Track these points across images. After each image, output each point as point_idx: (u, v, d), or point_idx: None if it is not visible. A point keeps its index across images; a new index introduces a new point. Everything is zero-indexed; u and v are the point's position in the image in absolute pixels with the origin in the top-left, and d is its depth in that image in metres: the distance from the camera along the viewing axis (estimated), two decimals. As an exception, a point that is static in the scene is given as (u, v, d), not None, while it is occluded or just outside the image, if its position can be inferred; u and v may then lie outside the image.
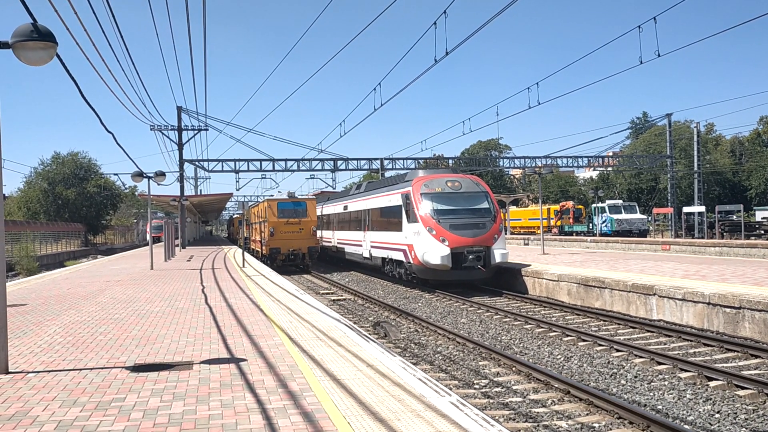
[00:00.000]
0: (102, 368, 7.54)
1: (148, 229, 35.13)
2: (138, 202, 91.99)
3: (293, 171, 51.68)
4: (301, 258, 32.66)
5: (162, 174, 24.18)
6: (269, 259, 32.06)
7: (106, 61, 21.35)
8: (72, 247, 62.25)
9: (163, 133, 44.60)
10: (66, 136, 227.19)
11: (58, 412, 5.79)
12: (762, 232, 44.22)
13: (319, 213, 39.21)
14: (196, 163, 51.40)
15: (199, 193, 57.39)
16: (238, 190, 73.53)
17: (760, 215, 53.18)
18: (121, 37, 15.29)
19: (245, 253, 29.30)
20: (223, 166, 50.07)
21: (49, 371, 7.44)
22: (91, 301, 14.44)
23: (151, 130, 43.41)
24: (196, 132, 45.93)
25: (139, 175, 23.24)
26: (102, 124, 12.87)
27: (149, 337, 9.54)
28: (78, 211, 67.27)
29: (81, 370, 7.49)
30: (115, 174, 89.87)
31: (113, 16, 13.20)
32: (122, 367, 7.57)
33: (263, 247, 33.53)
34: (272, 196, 34.53)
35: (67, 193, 65.63)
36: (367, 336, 9.70)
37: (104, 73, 38.03)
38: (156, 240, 50.04)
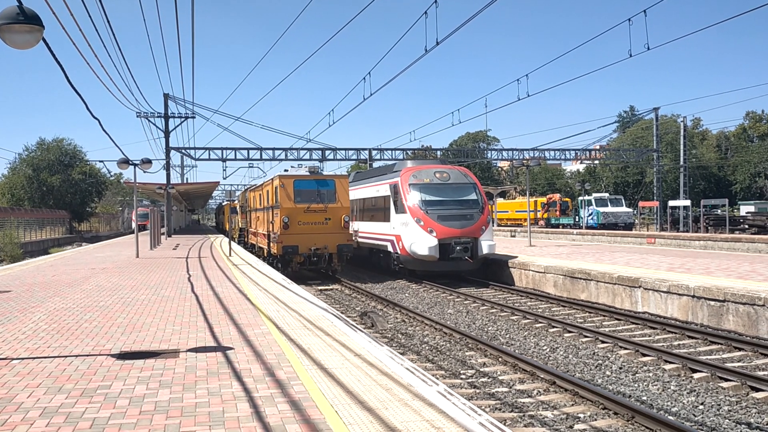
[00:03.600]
0: (87, 355, 7.49)
1: (133, 217, 34.73)
2: (123, 189, 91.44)
3: (281, 160, 51.43)
4: (327, 260, 23.57)
5: (148, 161, 23.95)
6: (281, 261, 23.37)
7: (93, 47, 21.15)
8: (56, 234, 61.73)
9: (149, 121, 44.19)
10: (51, 123, 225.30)
11: (43, 399, 5.74)
12: (746, 226, 44.60)
13: None
14: (183, 151, 51.02)
15: (185, 182, 57.06)
16: (225, 178, 73.32)
17: (744, 210, 53.75)
18: (108, 22, 15.11)
19: (232, 242, 28.84)
20: (210, 155, 49.74)
21: (34, 358, 7.38)
22: (76, 288, 14.33)
23: (137, 117, 43.01)
24: (182, 120, 45.57)
25: (125, 162, 23.02)
26: (88, 109, 12.71)
27: (135, 325, 9.48)
28: (63, 198, 66.72)
29: (66, 357, 7.43)
30: (100, 161, 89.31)
31: (100, 1, 13.03)
32: (108, 355, 7.52)
33: (271, 244, 24.62)
34: (286, 171, 25.17)
35: (52, 180, 65.05)
36: (354, 325, 9.69)
37: (90, 59, 37.67)
38: (141, 228, 49.76)
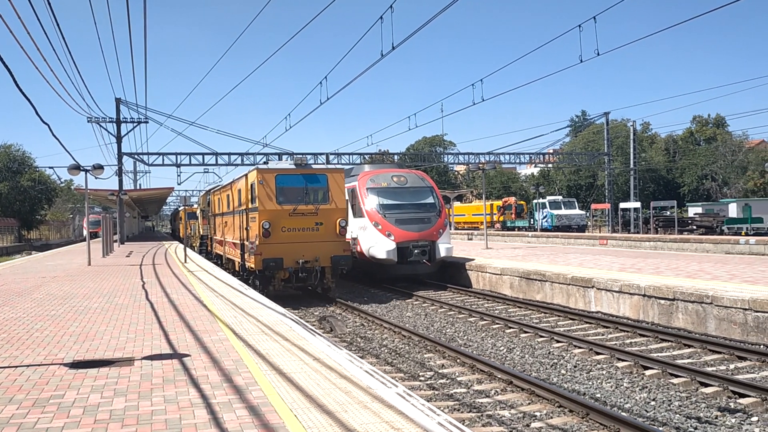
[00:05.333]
0: (39, 365, 7.31)
1: (85, 224, 33.91)
2: (74, 196, 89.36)
3: (237, 165, 50.91)
4: (319, 276, 18.71)
5: (100, 167, 23.45)
6: (260, 278, 18.62)
7: (42, 50, 20.57)
8: (4, 243, 60.02)
9: (100, 126, 43.25)
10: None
11: (-7, 411, 5.59)
12: (694, 227, 45.89)
13: None
14: (136, 156, 50.08)
15: (138, 188, 56.07)
16: (179, 184, 72.17)
17: (692, 211, 55.28)
18: (58, 26, 14.79)
19: (189, 249, 28.28)
20: (163, 160, 48.85)
21: (-18, 369, 7.17)
22: (26, 297, 13.95)
23: (88, 122, 42.04)
24: (135, 124, 44.71)
25: (76, 168, 22.47)
26: (37, 114, 12.40)
27: (88, 334, 9.29)
28: (11, 205, 64.97)
29: (17, 367, 7.24)
30: (50, 167, 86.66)
31: (49, 3, 12.75)
32: (60, 364, 7.36)
33: (247, 257, 19.62)
34: (265, 163, 20.72)
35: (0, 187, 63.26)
36: (313, 330, 9.67)
37: (39, 63, 36.66)
38: (93, 235, 48.68)
